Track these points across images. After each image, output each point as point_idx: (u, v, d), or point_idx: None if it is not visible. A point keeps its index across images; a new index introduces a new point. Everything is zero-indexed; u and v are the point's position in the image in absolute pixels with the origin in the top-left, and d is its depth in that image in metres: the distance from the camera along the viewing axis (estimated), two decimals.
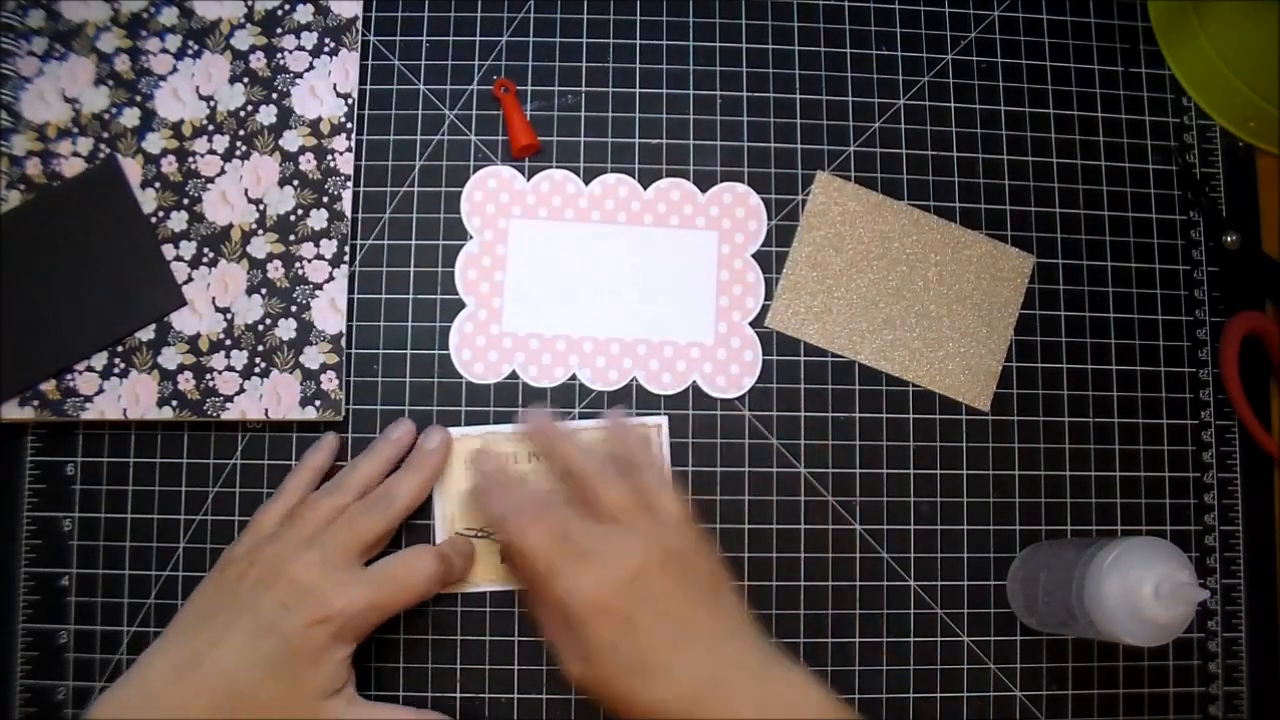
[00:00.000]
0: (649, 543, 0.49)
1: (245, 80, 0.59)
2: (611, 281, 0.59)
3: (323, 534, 0.52)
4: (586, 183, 0.60)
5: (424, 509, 0.57)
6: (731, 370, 0.59)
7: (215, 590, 0.51)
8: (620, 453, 0.54)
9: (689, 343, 0.59)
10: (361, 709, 0.51)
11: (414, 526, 0.57)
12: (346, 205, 0.58)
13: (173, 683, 0.48)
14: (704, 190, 0.60)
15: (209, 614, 0.50)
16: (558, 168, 0.60)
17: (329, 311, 0.57)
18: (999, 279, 0.59)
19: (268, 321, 0.57)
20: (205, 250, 0.58)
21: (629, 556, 0.48)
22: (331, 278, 0.58)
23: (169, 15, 0.59)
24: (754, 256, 0.60)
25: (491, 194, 0.60)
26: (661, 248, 0.59)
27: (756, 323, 0.59)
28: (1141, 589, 0.47)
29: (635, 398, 0.58)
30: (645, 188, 0.60)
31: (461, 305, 0.59)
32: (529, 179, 0.60)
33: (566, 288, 0.59)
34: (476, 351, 0.58)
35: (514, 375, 0.58)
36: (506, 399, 0.58)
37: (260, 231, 0.58)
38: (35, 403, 0.56)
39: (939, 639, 0.58)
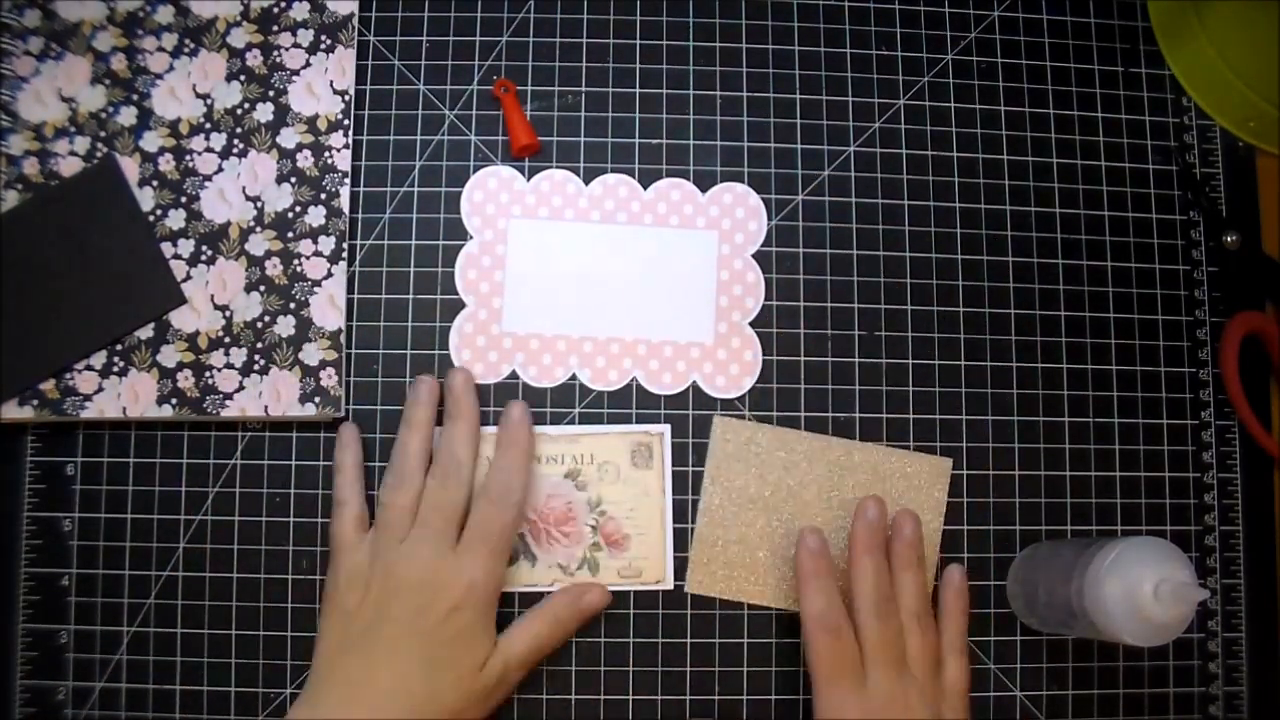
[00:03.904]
0: (923, 704, 0.51)
1: (242, 78, 0.59)
2: (611, 281, 0.59)
3: (418, 528, 0.52)
4: (586, 183, 0.60)
5: None
6: (731, 370, 0.59)
7: (342, 624, 0.52)
8: (948, 597, 0.56)
9: (689, 343, 0.59)
10: (504, 649, 0.53)
11: None
12: (344, 202, 0.58)
13: (342, 716, 0.49)
14: (704, 190, 0.60)
15: (350, 644, 0.51)
16: (558, 168, 0.60)
17: (328, 308, 0.57)
18: (917, 488, 0.58)
19: (266, 319, 0.57)
20: (203, 248, 0.57)
21: (900, 707, 0.51)
22: (330, 274, 0.57)
23: (165, 13, 0.59)
24: (754, 256, 0.60)
25: (491, 194, 0.59)
26: (661, 248, 0.59)
27: (756, 323, 0.59)
28: (1141, 589, 0.47)
29: (635, 398, 0.58)
30: (645, 188, 0.60)
31: (461, 305, 0.59)
32: (529, 179, 0.60)
33: (566, 288, 0.59)
34: (476, 351, 0.58)
35: (514, 375, 0.58)
36: (507, 399, 0.58)
37: (258, 229, 0.58)
38: (35, 402, 0.56)
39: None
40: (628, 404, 0.58)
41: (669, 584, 0.57)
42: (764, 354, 0.59)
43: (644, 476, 0.58)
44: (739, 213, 0.60)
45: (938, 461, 0.58)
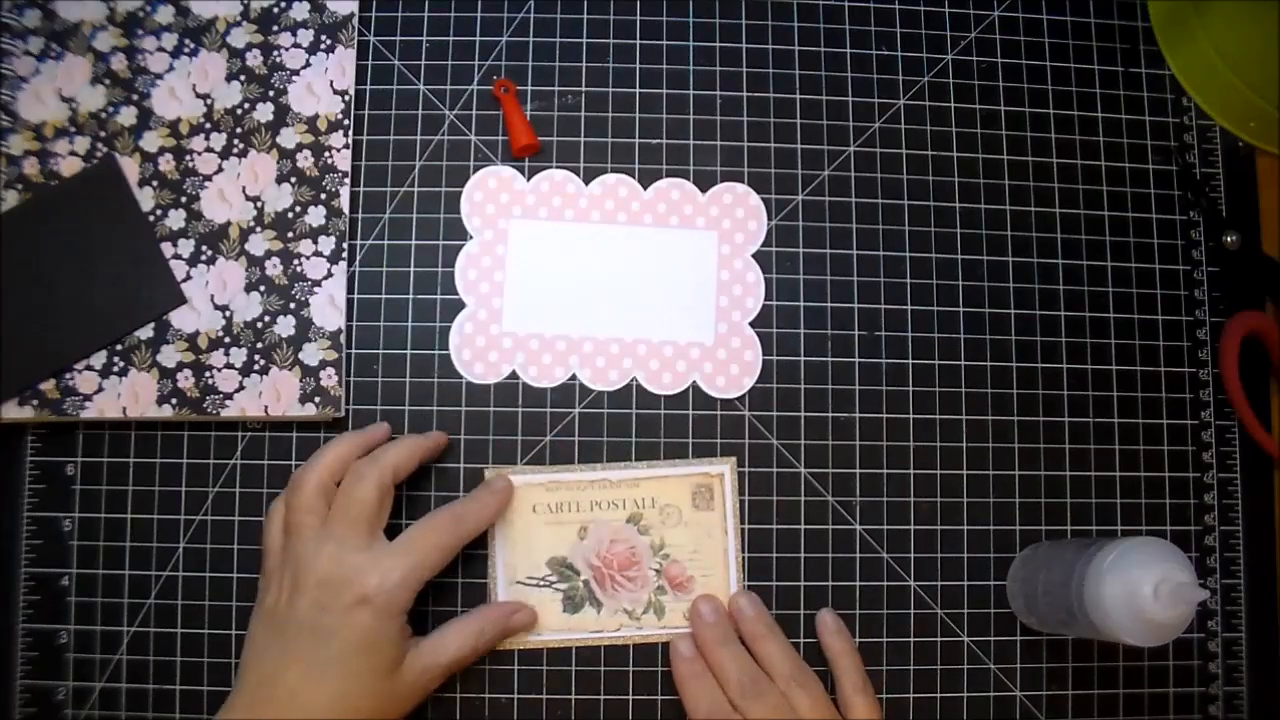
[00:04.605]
0: None
1: (242, 78, 0.59)
2: (611, 282, 0.59)
3: (327, 524, 0.51)
4: (586, 183, 0.60)
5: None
6: (731, 370, 0.59)
7: (262, 623, 0.51)
8: (827, 643, 0.56)
9: (689, 343, 0.59)
10: (428, 654, 0.52)
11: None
12: (344, 202, 0.58)
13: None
14: (704, 190, 0.60)
15: (263, 646, 0.50)
16: (558, 168, 0.60)
17: (328, 308, 0.57)
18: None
19: (266, 319, 0.57)
20: (203, 248, 0.57)
21: None
22: (330, 274, 0.57)
23: (165, 14, 0.59)
24: (754, 256, 0.60)
25: (491, 194, 0.59)
26: (661, 248, 0.59)
27: (756, 323, 0.59)
28: (1141, 589, 0.47)
29: (635, 398, 0.58)
30: (645, 188, 0.60)
31: (461, 305, 0.59)
32: (529, 179, 0.60)
33: (566, 288, 0.59)
34: (476, 351, 0.58)
35: (514, 375, 0.58)
36: (506, 399, 0.58)
37: (258, 229, 0.58)
38: (35, 402, 0.56)
39: (939, 639, 0.58)
40: (627, 404, 0.58)
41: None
42: (764, 354, 0.59)
43: (706, 518, 0.58)
44: (739, 213, 0.60)
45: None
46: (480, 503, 0.55)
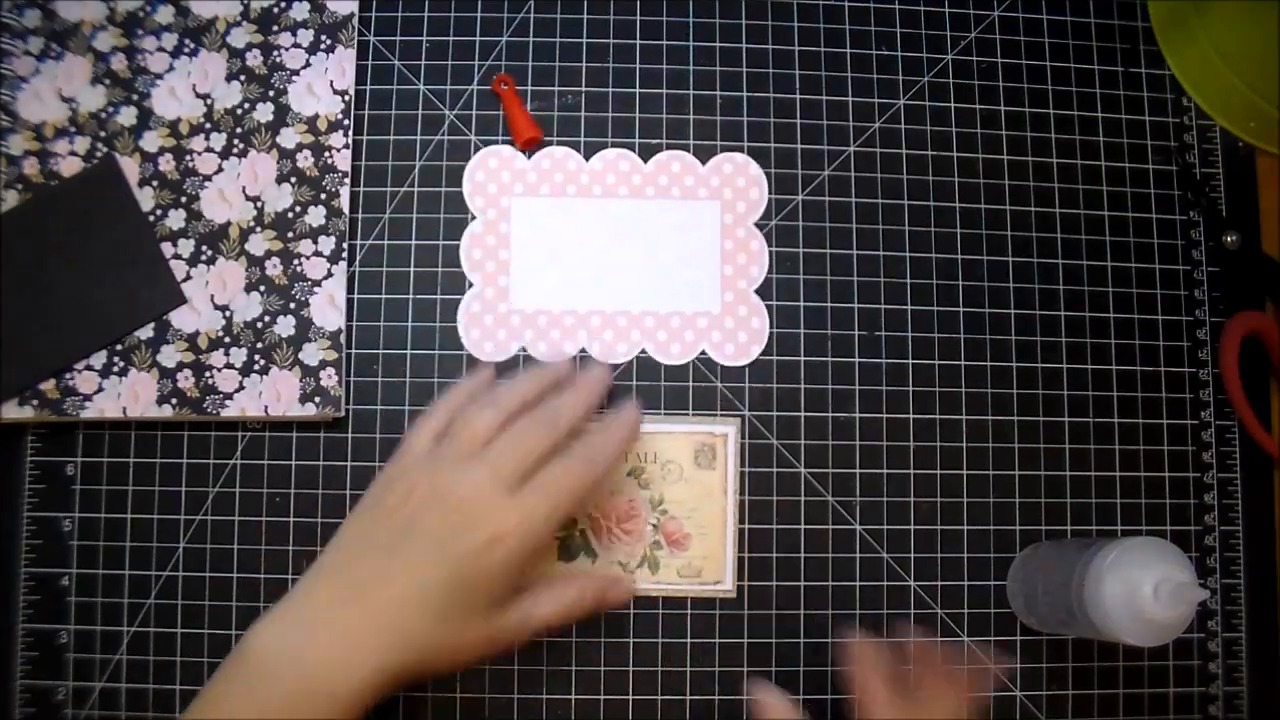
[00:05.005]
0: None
1: (242, 78, 0.59)
2: (616, 255, 0.59)
3: (486, 451, 0.49)
4: (587, 158, 0.60)
5: None
6: (740, 338, 0.59)
7: (375, 519, 0.49)
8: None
9: (696, 312, 0.59)
10: (525, 609, 0.50)
11: None
12: (344, 202, 0.58)
13: (336, 612, 0.46)
14: (704, 162, 0.60)
15: (372, 542, 0.48)
16: (558, 144, 0.60)
17: (328, 308, 0.57)
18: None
19: (266, 319, 0.57)
20: (204, 248, 0.57)
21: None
22: (330, 274, 0.57)
23: (165, 14, 0.59)
24: (756, 224, 0.60)
25: (493, 173, 0.59)
26: (664, 219, 0.59)
27: (762, 290, 0.59)
28: (1141, 589, 0.47)
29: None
30: (645, 161, 0.60)
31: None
32: (529, 157, 0.60)
33: (572, 263, 0.59)
34: (485, 330, 0.58)
35: (523, 351, 0.58)
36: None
37: (258, 229, 0.58)
38: (35, 402, 0.56)
39: (939, 639, 0.58)
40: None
41: (729, 584, 0.57)
42: (763, 355, 0.59)
43: (707, 477, 0.58)
44: (740, 181, 0.60)
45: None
46: (610, 437, 0.52)
